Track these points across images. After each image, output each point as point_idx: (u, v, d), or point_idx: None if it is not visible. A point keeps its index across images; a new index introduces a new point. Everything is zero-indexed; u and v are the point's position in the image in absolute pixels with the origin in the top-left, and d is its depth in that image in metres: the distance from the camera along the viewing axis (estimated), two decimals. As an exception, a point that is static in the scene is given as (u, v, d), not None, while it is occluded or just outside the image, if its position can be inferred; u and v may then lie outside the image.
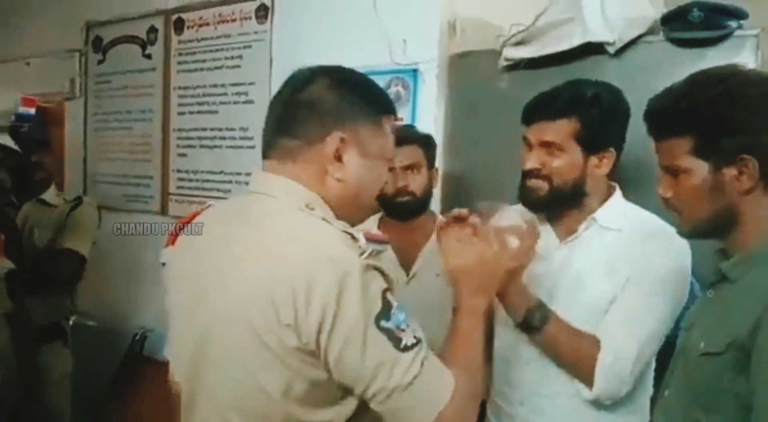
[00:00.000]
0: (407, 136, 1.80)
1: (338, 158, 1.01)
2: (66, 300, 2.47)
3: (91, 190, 3.51)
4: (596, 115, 1.35)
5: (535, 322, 1.34)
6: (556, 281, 1.42)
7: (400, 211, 1.83)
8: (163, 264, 1.10)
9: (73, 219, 2.43)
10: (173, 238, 1.09)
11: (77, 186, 3.54)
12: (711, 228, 1.00)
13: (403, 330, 0.93)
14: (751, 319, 0.86)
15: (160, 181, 3.19)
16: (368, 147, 1.03)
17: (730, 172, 0.94)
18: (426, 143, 1.86)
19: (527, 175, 1.41)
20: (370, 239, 0.94)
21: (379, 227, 1.91)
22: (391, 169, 1.78)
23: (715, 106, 0.93)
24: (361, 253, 0.91)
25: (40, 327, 2.29)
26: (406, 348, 0.92)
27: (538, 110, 1.40)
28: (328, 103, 1.00)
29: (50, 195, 2.42)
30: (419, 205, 1.84)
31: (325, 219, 0.97)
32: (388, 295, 0.93)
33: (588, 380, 1.31)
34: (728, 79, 0.94)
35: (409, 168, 1.79)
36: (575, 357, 1.33)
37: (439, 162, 2.10)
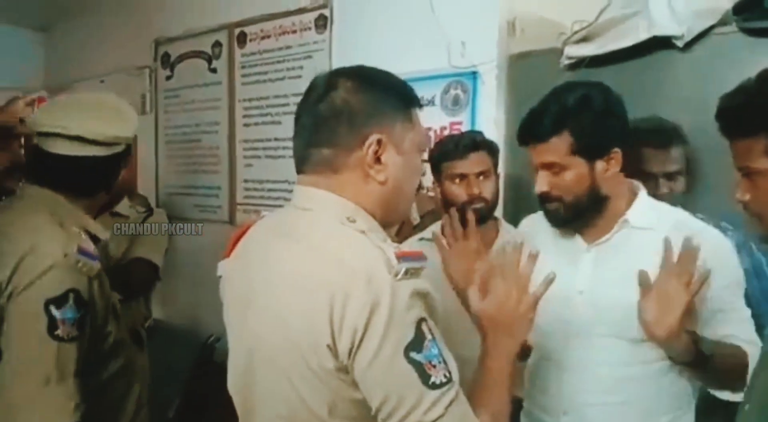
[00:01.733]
0: (477, 143, 1.79)
1: (378, 160, 0.99)
2: (141, 308, 2.57)
3: (163, 200, 3.65)
4: (587, 122, 1.29)
5: (705, 352, 1.24)
6: (591, 284, 1.38)
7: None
8: (220, 276, 1.12)
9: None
10: (229, 250, 1.11)
11: (150, 197, 3.68)
12: None
13: (434, 366, 0.89)
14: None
15: (228, 191, 3.28)
16: (404, 143, 1.02)
17: None
18: (492, 149, 1.84)
19: (541, 198, 1.38)
20: (404, 256, 0.90)
21: (442, 232, 1.90)
22: (465, 177, 1.77)
23: None
24: (395, 274, 0.88)
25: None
26: (435, 386, 0.89)
27: (528, 132, 1.36)
28: (358, 106, 0.98)
29: (123, 206, 2.51)
30: (490, 211, 1.84)
31: (365, 232, 0.95)
32: (423, 326, 0.90)
33: (740, 386, 1.24)
34: None
35: (481, 174, 1.78)
36: (738, 368, 1.26)
37: (500, 165, 2.07)
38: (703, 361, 1.22)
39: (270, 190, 3.04)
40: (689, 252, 1.18)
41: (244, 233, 1.11)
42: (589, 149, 1.31)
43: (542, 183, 1.35)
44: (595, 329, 1.36)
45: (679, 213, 1.41)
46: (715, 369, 1.24)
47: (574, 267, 1.41)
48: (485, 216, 1.81)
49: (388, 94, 1.02)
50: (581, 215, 1.38)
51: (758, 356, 1.20)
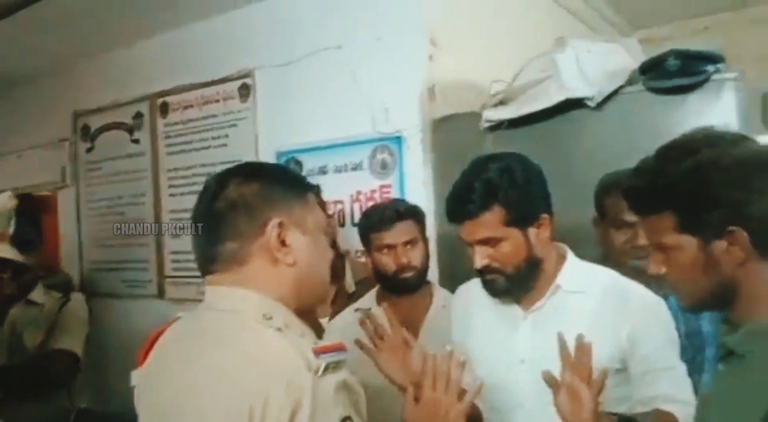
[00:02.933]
0: (400, 213, 1.78)
1: (282, 243, 0.99)
2: (64, 401, 2.40)
3: (88, 277, 3.49)
4: (514, 193, 1.32)
5: None
6: (532, 352, 1.37)
7: (404, 286, 1.80)
8: (133, 386, 1.05)
9: (63, 317, 2.37)
10: (142, 358, 1.05)
11: (74, 274, 3.52)
12: (710, 303, 0.96)
13: None
14: (763, 404, 0.81)
15: (156, 265, 3.16)
16: (305, 223, 1.02)
17: (720, 245, 0.89)
18: (418, 216, 1.84)
19: (480, 271, 1.38)
20: (323, 351, 0.89)
21: (378, 302, 1.87)
22: (393, 247, 1.76)
23: (689, 181, 0.89)
24: (316, 371, 0.87)
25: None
26: None
27: (459, 211, 1.36)
28: (253, 195, 0.99)
29: (38, 294, 2.38)
30: (421, 278, 1.82)
31: (281, 329, 0.93)
32: None
33: None
34: (699, 150, 0.91)
35: (408, 243, 1.77)
36: None
37: (431, 225, 2.08)
38: None
39: (200, 261, 2.95)
40: (581, 347, 1.18)
41: (156, 338, 1.05)
42: (521, 218, 1.33)
43: (481, 257, 1.35)
44: (541, 398, 1.33)
45: (608, 274, 1.43)
46: None
47: (513, 335, 1.41)
48: (417, 283, 1.80)
49: (280, 180, 1.05)
50: (521, 284, 1.38)
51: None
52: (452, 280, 1.96)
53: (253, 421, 0.84)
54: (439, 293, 1.89)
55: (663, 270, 0.97)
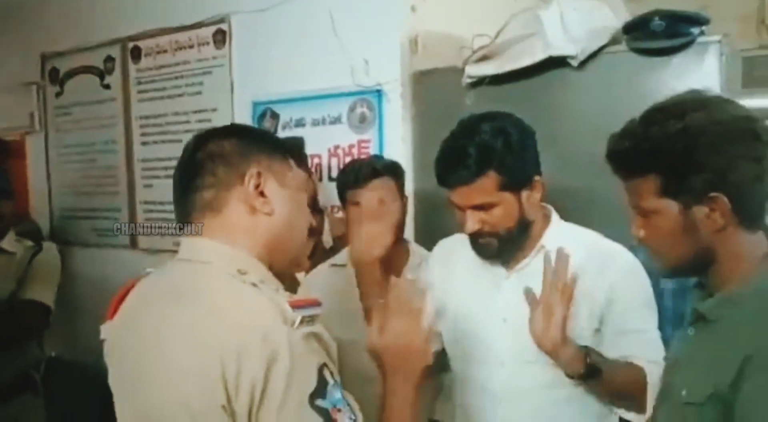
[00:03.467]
0: (378, 169, 1.74)
1: (261, 194, 1.00)
2: (34, 350, 2.38)
3: (58, 224, 3.43)
4: (510, 159, 1.29)
5: (596, 365, 1.25)
6: (515, 312, 1.36)
7: None
8: (103, 340, 1.04)
9: (35, 267, 2.33)
10: (112, 312, 1.03)
11: (43, 222, 3.45)
12: (688, 268, 0.97)
13: (339, 410, 0.89)
14: (731, 370, 0.82)
15: (127, 214, 3.11)
16: (285, 177, 1.04)
17: (700, 211, 0.90)
18: (396, 172, 1.80)
19: (473, 235, 1.37)
20: (298, 305, 0.90)
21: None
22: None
23: (676, 145, 0.90)
24: (292, 323, 0.87)
25: (7, 381, 2.21)
26: None
27: (451, 175, 1.33)
28: (233, 148, 1.01)
29: (8, 242, 2.32)
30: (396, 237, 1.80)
31: (256, 284, 0.93)
32: (325, 371, 0.90)
33: (641, 405, 1.27)
34: (687, 114, 0.90)
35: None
36: (633, 384, 1.28)
37: (409, 181, 2.06)
38: (594, 374, 1.23)
39: (172, 211, 2.89)
40: (561, 258, 1.21)
41: (127, 292, 1.03)
42: (516, 183, 1.32)
43: (473, 222, 1.33)
44: (523, 356, 1.34)
45: (590, 234, 1.43)
46: (609, 383, 1.26)
47: (495, 293, 1.42)
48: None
49: (262, 138, 1.08)
50: (511, 246, 1.38)
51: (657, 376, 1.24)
52: (428, 238, 1.96)
53: (226, 376, 0.85)
54: (415, 251, 1.89)
55: (642, 233, 0.97)
